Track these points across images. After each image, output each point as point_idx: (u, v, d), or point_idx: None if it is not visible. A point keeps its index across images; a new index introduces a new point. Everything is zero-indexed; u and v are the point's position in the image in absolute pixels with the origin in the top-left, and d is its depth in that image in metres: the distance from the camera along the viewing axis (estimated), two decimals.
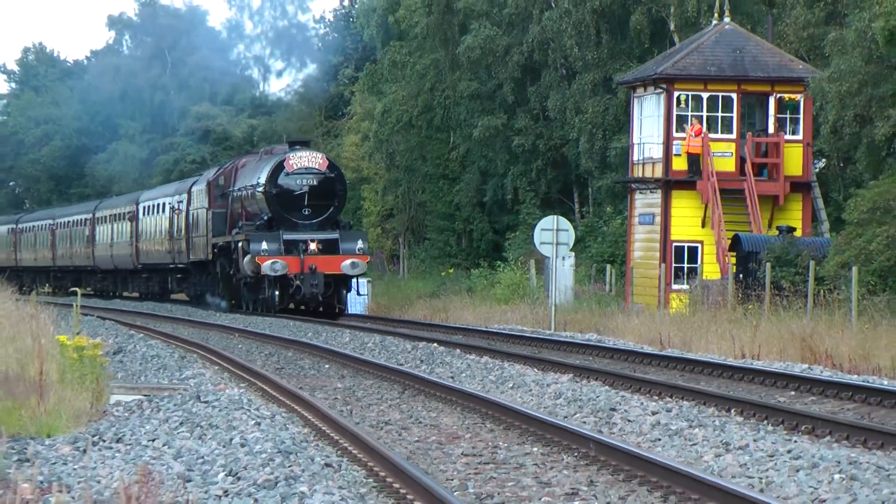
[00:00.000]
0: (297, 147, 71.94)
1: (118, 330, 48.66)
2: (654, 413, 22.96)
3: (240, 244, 70.51)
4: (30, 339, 27.31)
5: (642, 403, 24.17)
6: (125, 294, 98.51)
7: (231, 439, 19.96)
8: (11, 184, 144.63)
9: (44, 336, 27.80)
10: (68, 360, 24.78)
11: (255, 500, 15.13)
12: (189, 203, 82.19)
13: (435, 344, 39.34)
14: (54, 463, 17.91)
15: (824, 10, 64.53)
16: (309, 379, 32.41)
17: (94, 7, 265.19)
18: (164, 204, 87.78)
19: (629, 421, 22.60)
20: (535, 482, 17.87)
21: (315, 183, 69.87)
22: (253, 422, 22.05)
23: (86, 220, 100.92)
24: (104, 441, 19.95)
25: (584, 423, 22.67)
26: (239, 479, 16.66)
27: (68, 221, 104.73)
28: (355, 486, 17.16)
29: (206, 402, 24.78)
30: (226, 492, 15.85)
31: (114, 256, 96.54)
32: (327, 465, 18.48)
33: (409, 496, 16.46)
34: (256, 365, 34.80)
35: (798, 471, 17.30)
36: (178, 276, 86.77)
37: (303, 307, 70.31)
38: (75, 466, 17.70)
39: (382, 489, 17.32)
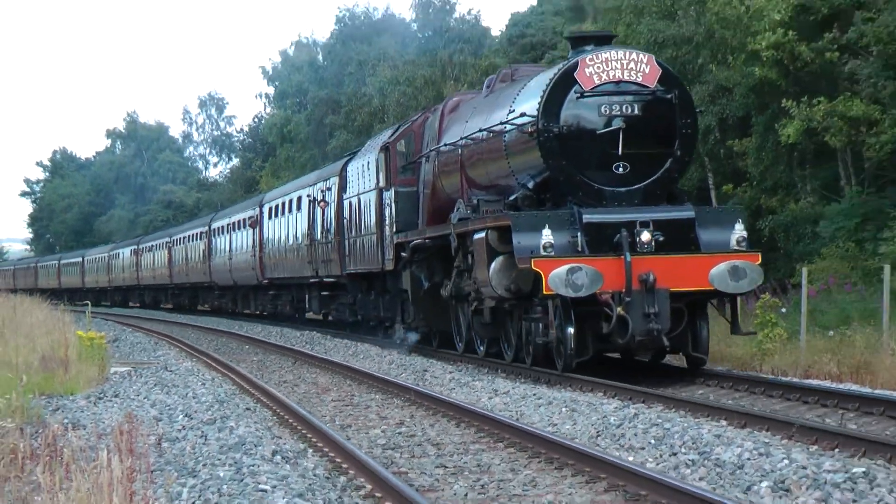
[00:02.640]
0: (589, 47, 20.86)
1: (115, 327, 47.99)
2: (450, 372, 22.93)
3: (479, 236, 21.11)
4: (59, 334, 27.00)
5: (443, 367, 24.14)
6: (247, 312, 54.50)
7: (187, 393, 19.77)
8: (47, 236, 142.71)
9: (68, 331, 27.52)
10: (83, 346, 24.56)
11: (203, 432, 15.00)
12: (342, 189, 33.94)
13: (315, 332, 39.08)
14: (75, 411, 17.69)
15: None
16: (236, 355, 32.08)
17: (98, 123, 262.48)
18: (297, 199, 41.14)
19: (435, 377, 22.56)
20: (377, 416, 17.82)
21: (637, 111, 20.33)
22: (200, 383, 21.88)
23: (201, 233, 60.34)
24: (106, 397, 19.73)
25: (408, 379, 22.64)
26: (192, 418, 16.51)
27: (183, 237, 65.07)
28: (265, 421, 17.04)
29: (171, 371, 24.56)
30: (184, 426, 15.70)
31: (232, 271, 52.54)
32: (247, 408, 18.37)
33: (298, 427, 16.36)
34: (203, 347, 34.44)
35: (540, 406, 17.35)
36: (324, 292, 38.57)
37: (617, 356, 22.23)
38: (88, 413, 17.49)
39: (282, 423, 17.20)
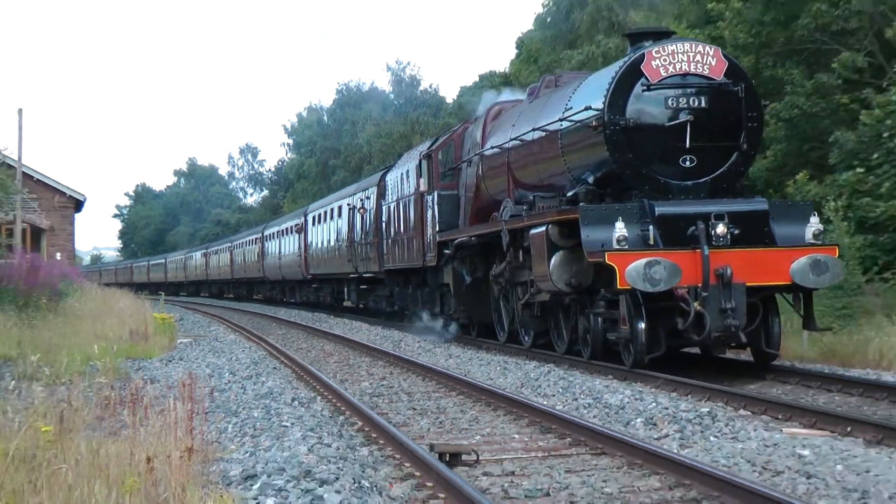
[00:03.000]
0: (648, 42, 14.95)
1: (181, 310, 47.64)
2: (419, 342, 22.95)
3: (536, 231, 15.47)
4: (141, 315, 26.93)
5: (415, 339, 24.14)
6: (293, 301, 50.36)
7: (232, 357, 19.74)
8: (132, 245, 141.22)
9: (147, 313, 27.42)
10: (158, 324, 24.51)
11: (242, 384, 15.02)
12: (381, 196, 29.00)
13: (322, 314, 38.86)
14: (151, 370, 17.62)
15: None
16: (266, 329, 31.93)
17: (167, 165, 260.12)
18: (338, 208, 36.50)
19: (408, 346, 22.55)
20: (366, 373, 17.84)
21: (704, 104, 14.47)
22: (241, 349, 21.83)
23: (256, 239, 57.42)
24: (174, 360, 19.65)
25: (388, 347, 22.64)
26: (235, 375, 16.52)
27: (242, 242, 62.71)
28: (287, 377, 17.05)
29: (220, 341, 24.47)
30: (229, 381, 15.69)
31: (282, 268, 49.04)
32: (274, 368, 18.37)
33: (310, 381, 16.38)
34: (243, 324, 34.25)
35: (482, 366, 17.39)
36: (362, 286, 34.75)
37: (673, 349, 14.74)
38: (162, 371, 17.42)
39: (299, 378, 17.19)
